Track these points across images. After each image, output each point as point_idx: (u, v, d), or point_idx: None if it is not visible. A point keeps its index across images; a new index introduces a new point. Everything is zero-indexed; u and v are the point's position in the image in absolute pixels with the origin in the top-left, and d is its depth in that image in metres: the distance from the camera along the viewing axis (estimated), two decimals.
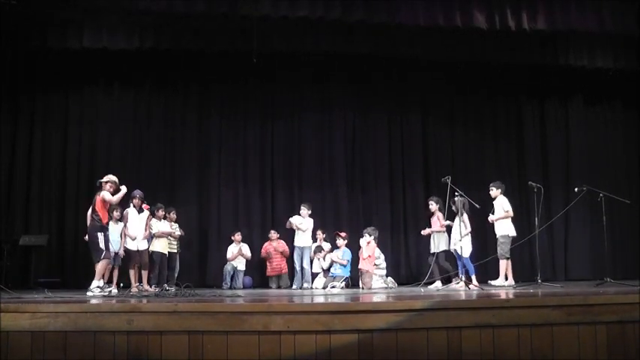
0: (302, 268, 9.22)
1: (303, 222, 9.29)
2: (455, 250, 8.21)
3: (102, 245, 7.00)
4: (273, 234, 9.71)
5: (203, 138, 10.27)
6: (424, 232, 8.81)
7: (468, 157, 10.76)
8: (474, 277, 7.99)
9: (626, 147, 11.03)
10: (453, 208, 8.17)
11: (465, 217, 8.12)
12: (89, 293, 6.85)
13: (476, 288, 7.35)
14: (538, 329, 4.36)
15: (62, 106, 9.97)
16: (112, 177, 7.26)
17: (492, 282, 8.22)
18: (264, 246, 9.76)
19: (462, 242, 7.88)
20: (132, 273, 7.98)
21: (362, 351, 4.18)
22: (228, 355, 4.15)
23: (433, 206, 8.66)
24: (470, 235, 8.13)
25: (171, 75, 10.20)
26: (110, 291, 7.07)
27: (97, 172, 9.76)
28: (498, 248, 7.92)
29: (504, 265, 7.91)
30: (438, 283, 8.37)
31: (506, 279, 7.95)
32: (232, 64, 9.94)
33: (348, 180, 10.45)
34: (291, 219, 9.34)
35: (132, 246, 8.02)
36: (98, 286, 6.94)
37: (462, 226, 7.98)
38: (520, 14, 8.53)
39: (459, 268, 8.17)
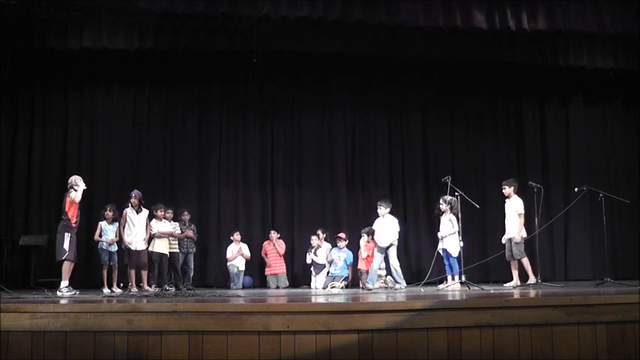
0: (392, 267, 8.39)
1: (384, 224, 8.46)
2: (444, 249, 8.19)
3: (66, 246, 7.02)
4: (273, 234, 9.73)
5: (203, 138, 10.26)
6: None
7: (468, 157, 10.76)
8: (456, 278, 8.00)
9: (626, 147, 11.03)
10: (442, 207, 8.20)
11: (453, 216, 8.13)
12: (59, 293, 6.89)
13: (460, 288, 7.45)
14: (538, 329, 4.35)
15: (62, 106, 9.98)
16: (76, 178, 7.31)
17: (509, 284, 8.13)
18: (264, 247, 9.79)
19: (450, 241, 7.99)
20: (132, 273, 7.97)
21: (362, 351, 4.17)
22: (228, 355, 4.15)
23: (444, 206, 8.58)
24: (457, 234, 8.14)
25: (171, 75, 10.20)
26: (75, 292, 7.02)
27: (97, 172, 9.84)
28: (514, 249, 7.88)
29: (527, 264, 7.89)
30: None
31: (517, 278, 7.93)
32: (232, 64, 9.96)
33: (348, 180, 10.45)
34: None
35: (138, 246, 8.01)
36: (66, 287, 6.97)
37: (451, 225, 8.04)
38: (520, 14, 8.53)
39: (446, 267, 8.21)
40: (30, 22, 8.69)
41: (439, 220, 8.49)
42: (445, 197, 8.24)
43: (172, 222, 8.84)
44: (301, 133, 10.50)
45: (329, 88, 10.68)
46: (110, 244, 7.84)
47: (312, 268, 9.47)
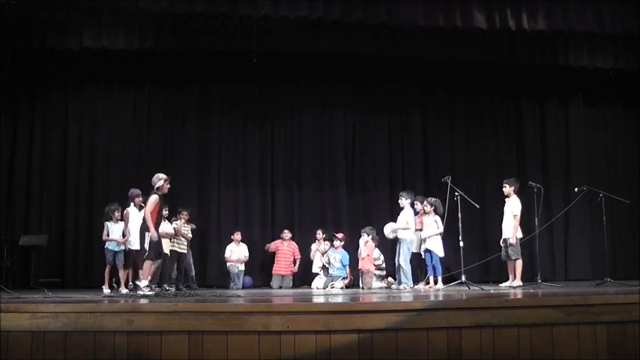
0: (399, 264, 8.19)
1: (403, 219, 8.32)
2: (428, 250, 8.10)
3: (146, 246, 7.02)
4: (287, 233, 9.73)
5: (203, 138, 10.26)
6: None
7: (468, 157, 10.76)
8: (439, 278, 8.00)
9: (626, 147, 11.02)
10: (427, 208, 8.16)
11: (438, 218, 8.10)
12: (139, 292, 6.90)
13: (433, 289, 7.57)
14: (538, 329, 4.35)
15: (62, 106, 9.97)
16: (162, 176, 7.21)
17: (504, 284, 8.14)
18: (274, 242, 9.76)
19: (435, 242, 8.02)
20: (126, 273, 7.95)
21: (362, 351, 4.17)
22: (228, 355, 4.15)
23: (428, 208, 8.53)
24: (440, 235, 8.13)
25: (171, 75, 10.20)
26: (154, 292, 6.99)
27: (97, 172, 9.86)
28: (509, 250, 7.87)
29: (520, 266, 7.90)
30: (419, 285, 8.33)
31: (515, 278, 7.93)
32: (232, 64, 9.95)
33: (348, 180, 10.45)
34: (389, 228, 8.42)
35: (134, 246, 7.99)
36: (146, 286, 6.98)
37: (436, 225, 8.03)
38: (520, 14, 8.53)
39: (428, 268, 8.13)
40: (30, 22, 8.68)
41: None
42: (429, 199, 8.23)
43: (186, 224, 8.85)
44: (301, 133, 10.50)
45: (329, 88, 10.68)
46: (120, 244, 7.81)
47: (321, 270, 9.42)
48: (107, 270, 7.75)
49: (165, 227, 8.54)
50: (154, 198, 7.05)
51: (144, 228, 7.07)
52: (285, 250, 9.70)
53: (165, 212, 8.50)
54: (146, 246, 7.02)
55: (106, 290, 7.57)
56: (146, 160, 10.05)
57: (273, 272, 9.66)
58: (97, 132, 10.00)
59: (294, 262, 9.76)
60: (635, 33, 8.85)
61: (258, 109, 10.43)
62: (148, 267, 7.09)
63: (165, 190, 7.23)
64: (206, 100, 10.39)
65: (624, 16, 8.79)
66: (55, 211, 9.73)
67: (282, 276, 9.61)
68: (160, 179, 7.16)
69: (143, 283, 7.04)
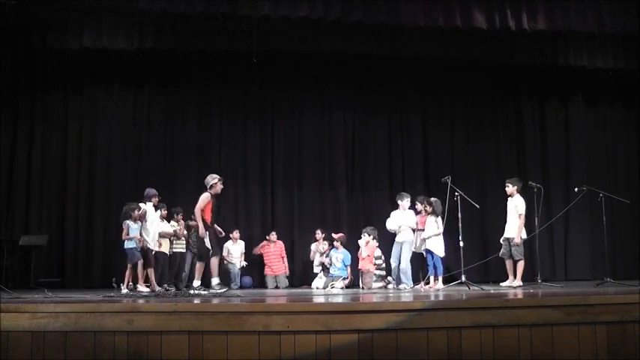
0: (396, 265, 8.24)
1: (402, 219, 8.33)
2: (428, 250, 8.07)
3: (207, 245, 7.02)
4: (273, 235, 9.73)
5: (203, 138, 10.26)
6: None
7: (468, 157, 10.76)
8: (440, 278, 7.98)
9: (626, 147, 11.03)
10: (428, 208, 8.14)
11: (439, 218, 8.08)
12: (212, 291, 6.92)
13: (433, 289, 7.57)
14: (538, 329, 4.36)
15: (62, 106, 9.97)
16: (216, 176, 7.21)
17: (504, 283, 8.14)
18: (262, 245, 9.77)
19: (435, 242, 7.97)
20: (151, 272, 7.91)
21: (362, 351, 4.17)
22: (228, 355, 4.15)
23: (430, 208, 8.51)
24: (441, 236, 8.13)
25: (171, 75, 10.20)
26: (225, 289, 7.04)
27: (97, 172, 9.85)
28: (513, 250, 7.85)
29: (522, 267, 7.89)
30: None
31: (515, 278, 7.92)
32: (232, 64, 9.95)
33: (348, 180, 10.45)
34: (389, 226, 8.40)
35: (151, 245, 7.95)
36: (218, 283, 7.05)
37: (436, 226, 8.00)
38: (520, 14, 8.55)
39: (429, 268, 8.09)
40: (30, 22, 8.68)
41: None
42: (430, 199, 8.23)
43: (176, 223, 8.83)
44: (301, 133, 10.50)
45: (329, 88, 10.68)
46: (139, 242, 7.78)
47: (320, 271, 9.41)
48: (139, 268, 7.64)
49: (165, 227, 8.53)
50: (205, 196, 7.06)
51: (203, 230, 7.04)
52: (272, 251, 9.72)
53: (164, 212, 8.49)
54: (208, 245, 7.02)
55: (143, 289, 7.54)
56: (146, 160, 10.05)
57: (266, 273, 9.68)
58: (97, 132, 10.00)
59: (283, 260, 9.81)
60: (635, 33, 8.86)
61: (258, 109, 10.43)
62: (216, 264, 7.12)
63: (219, 190, 7.23)
64: (206, 100, 10.39)
65: (624, 16, 8.80)
66: (55, 211, 9.72)
67: (276, 276, 9.62)
68: (213, 178, 7.18)
69: (214, 280, 7.07)
